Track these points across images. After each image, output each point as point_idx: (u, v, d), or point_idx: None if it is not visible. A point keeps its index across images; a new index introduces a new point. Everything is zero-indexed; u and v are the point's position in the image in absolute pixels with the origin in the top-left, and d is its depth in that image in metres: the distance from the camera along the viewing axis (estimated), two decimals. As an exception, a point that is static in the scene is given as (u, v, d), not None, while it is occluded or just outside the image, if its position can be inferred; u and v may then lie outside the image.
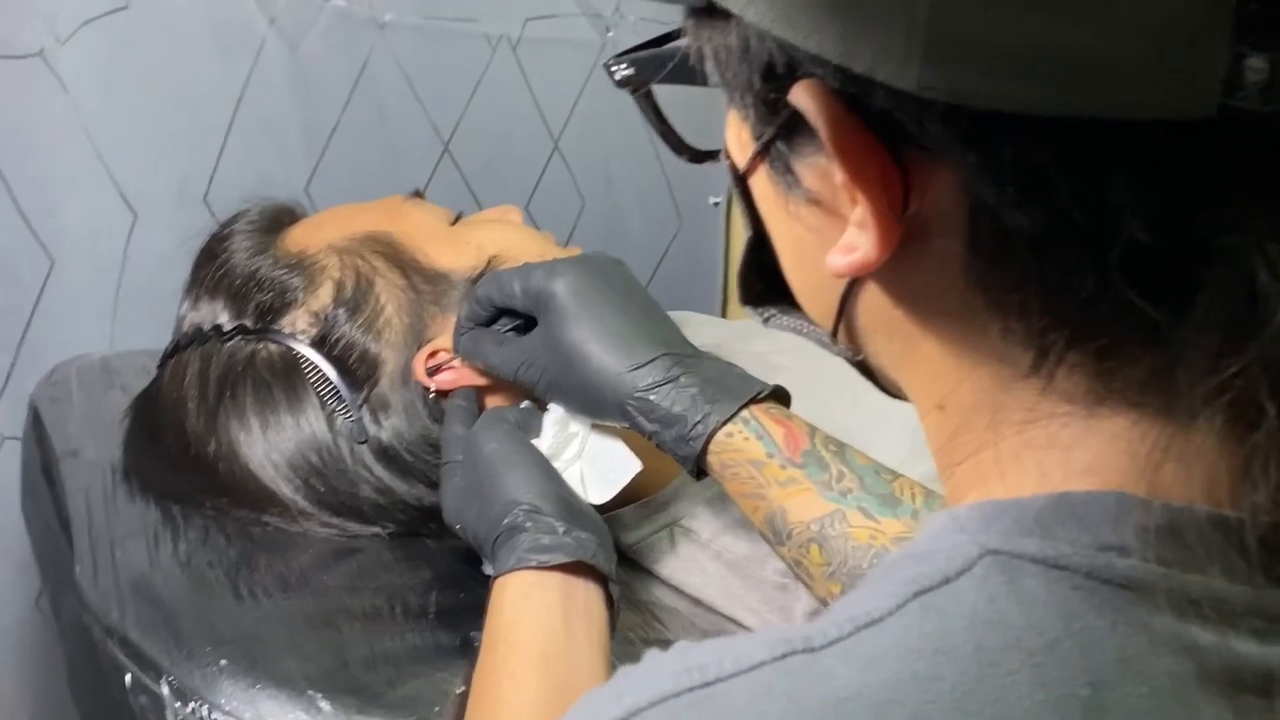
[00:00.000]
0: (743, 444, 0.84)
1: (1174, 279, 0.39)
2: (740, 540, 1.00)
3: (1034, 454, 0.44)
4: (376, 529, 1.00)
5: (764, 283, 0.55)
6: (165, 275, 1.24)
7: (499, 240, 1.05)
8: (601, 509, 0.92)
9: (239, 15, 1.38)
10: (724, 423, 0.83)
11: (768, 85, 0.43)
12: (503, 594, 0.82)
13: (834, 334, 0.50)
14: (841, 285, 0.47)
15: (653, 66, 0.55)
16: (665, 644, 0.92)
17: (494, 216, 1.11)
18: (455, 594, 0.93)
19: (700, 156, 0.57)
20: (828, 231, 0.45)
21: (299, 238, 1.05)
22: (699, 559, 1.02)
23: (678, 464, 0.99)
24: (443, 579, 0.95)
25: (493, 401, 0.99)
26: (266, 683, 0.81)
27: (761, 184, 0.49)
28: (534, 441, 0.92)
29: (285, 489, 0.99)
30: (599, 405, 0.88)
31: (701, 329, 1.22)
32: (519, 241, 1.06)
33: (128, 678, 0.83)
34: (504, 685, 0.78)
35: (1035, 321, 0.42)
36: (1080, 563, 0.41)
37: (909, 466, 0.95)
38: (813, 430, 0.85)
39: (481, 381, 0.98)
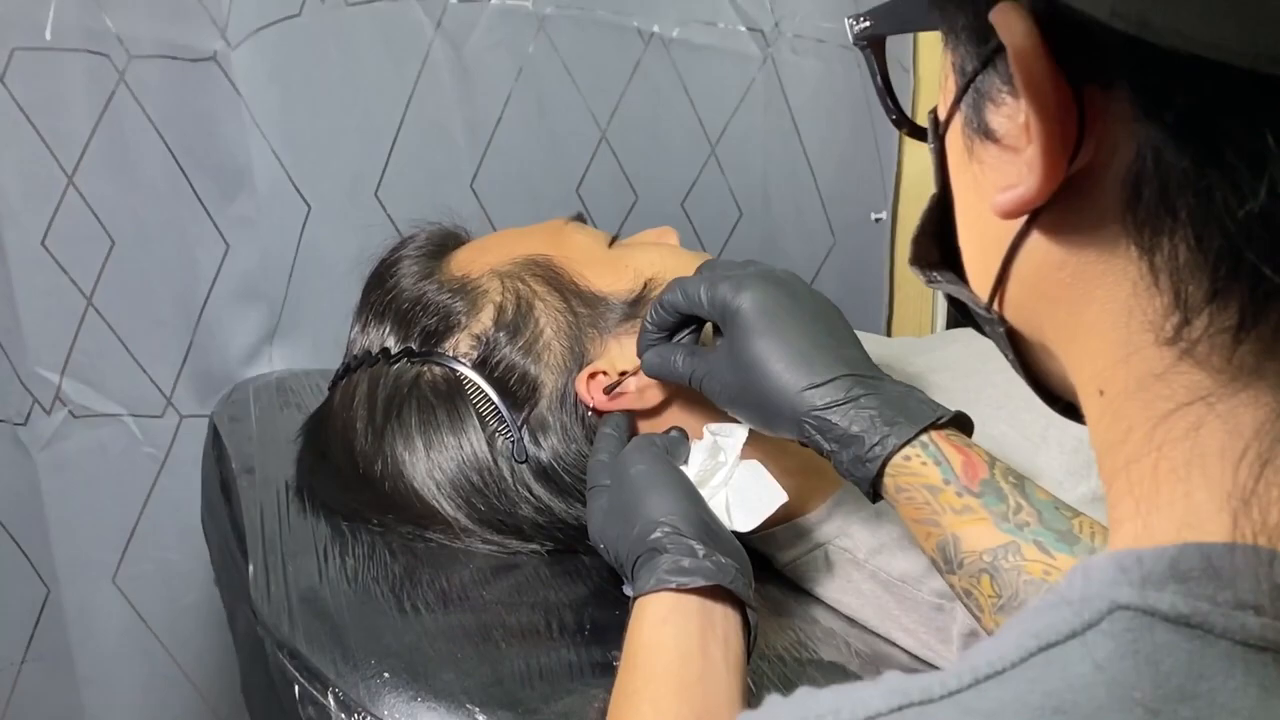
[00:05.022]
0: (920, 468, 0.83)
1: None
2: (896, 560, 0.99)
3: (1178, 478, 0.43)
4: (535, 546, 1.02)
5: (939, 248, 0.55)
6: (336, 264, 1.32)
7: (656, 263, 1.07)
8: (753, 530, 0.93)
9: (407, 22, 1.45)
10: (901, 446, 0.83)
11: (977, 13, 0.44)
12: (642, 616, 0.83)
13: (991, 299, 0.50)
14: (1007, 240, 0.47)
15: (887, 17, 0.57)
16: (820, 664, 0.93)
17: (651, 239, 1.13)
18: (610, 611, 0.94)
19: (913, 128, 0.58)
20: (1004, 174, 0.46)
21: (463, 262, 1.08)
22: (854, 578, 1.02)
23: (830, 479, 1.00)
24: (598, 596, 0.97)
25: (642, 427, 1.01)
26: (427, 695, 0.83)
27: (954, 136, 0.49)
28: (682, 467, 0.93)
29: (447, 507, 1.01)
30: (776, 420, 0.89)
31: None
32: (676, 265, 1.07)
33: (296, 689, 0.86)
34: (642, 710, 0.79)
35: (1182, 277, 0.41)
36: (1214, 621, 0.40)
37: (1067, 488, 0.94)
38: (992, 460, 0.84)
39: (637, 403, 1.00)
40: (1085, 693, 0.40)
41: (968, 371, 1.10)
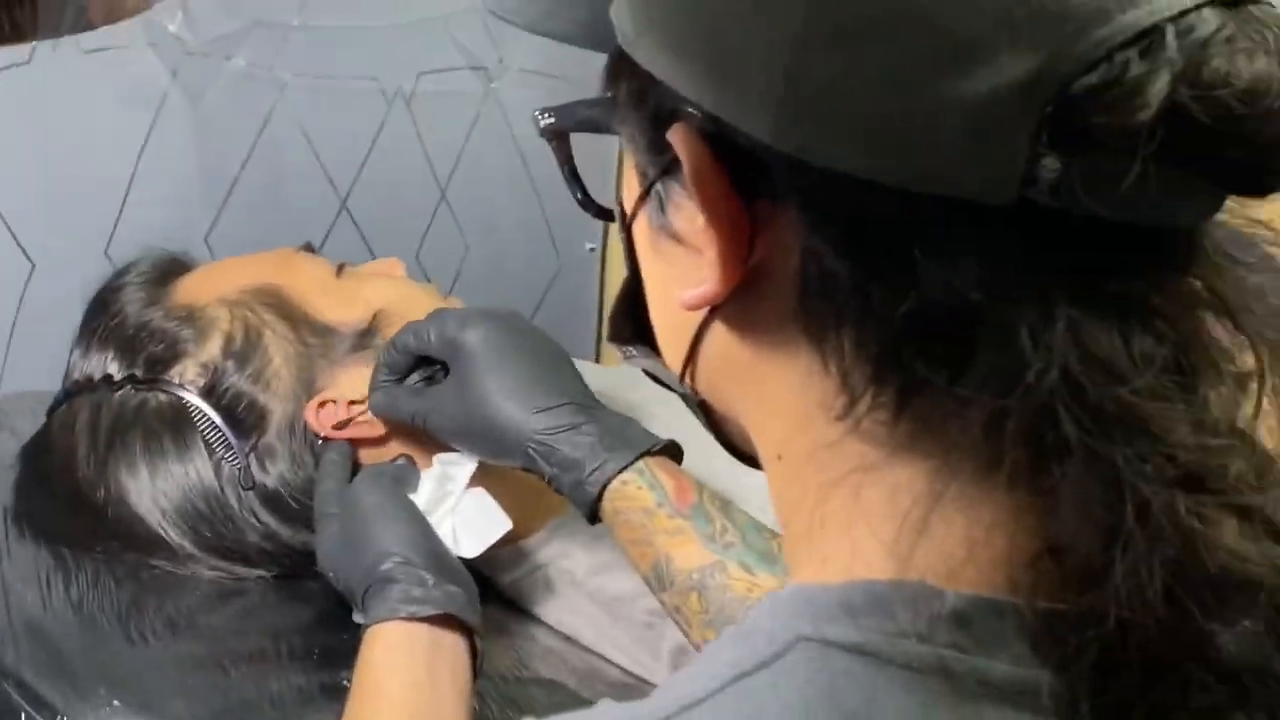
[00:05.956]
0: (635, 492, 0.89)
1: (955, 338, 0.44)
2: (612, 580, 1.05)
3: (845, 529, 0.48)
4: (261, 572, 1.04)
5: (632, 325, 0.59)
6: (62, 324, 1.27)
7: (385, 294, 1.09)
8: (479, 555, 0.98)
9: (141, 70, 1.41)
10: (619, 471, 0.89)
11: (655, 128, 0.48)
12: (373, 644, 0.87)
13: (683, 374, 0.54)
14: (694, 326, 0.52)
15: (572, 116, 0.60)
16: (540, 682, 0.98)
17: (379, 270, 1.16)
18: (338, 635, 0.96)
19: (600, 211, 0.62)
20: (688, 270, 0.50)
21: (190, 289, 1.09)
22: (573, 598, 1.07)
23: (551, 504, 1.05)
24: (326, 620, 0.99)
25: (368, 456, 1.04)
26: (157, 724, 0.85)
27: (641, 228, 0.54)
28: (411, 496, 0.97)
29: (173, 534, 1.02)
30: (502, 448, 0.94)
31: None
32: (405, 295, 1.11)
33: (23, 717, 0.86)
34: None
35: (848, 364, 0.46)
36: (883, 648, 0.45)
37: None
38: (701, 486, 0.90)
39: (366, 431, 1.03)
40: (775, 718, 0.45)
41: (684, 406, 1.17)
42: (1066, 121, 0.40)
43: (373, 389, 1.02)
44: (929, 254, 0.43)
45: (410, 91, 1.59)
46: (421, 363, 1.01)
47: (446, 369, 0.99)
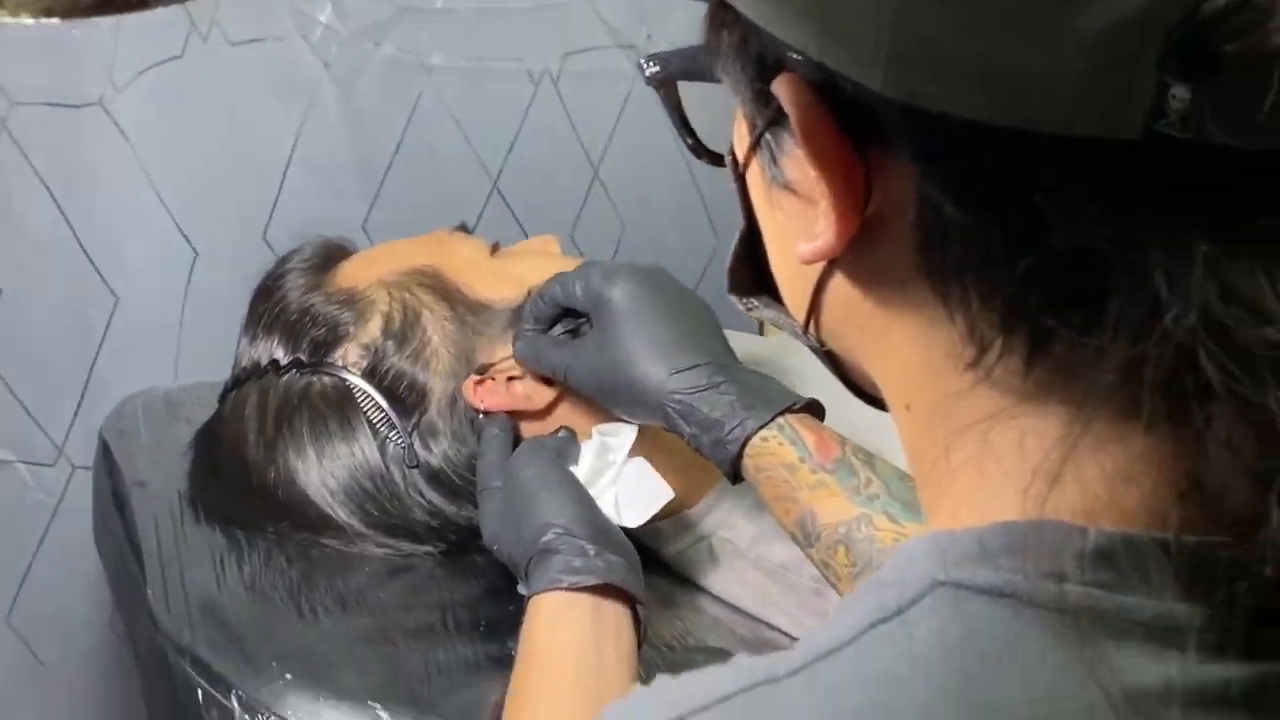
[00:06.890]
0: (777, 449, 0.88)
1: (1087, 285, 0.42)
2: (776, 548, 1.04)
3: (977, 475, 0.47)
4: (429, 548, 1.05)
5: (752, 276, 0.59)
6: (226, 309, 1.30)
7: (540, 271, 1.09)
8: (641, 525, 0.97)
9: (293, 61, 1.43)
10: (759, 428, 0.88)
11: (760, 78, 0.47)
12: (536, 614, 0.88)
13: (806, 325, 0.53)
14: (814, 276, 0.50)
15: (676, 63, 0.60)
16: (707, 651, 0.98)
17: (534, 247, 1.16)
18: (504, 606, 0.97)
19: (714, 158, 0.61)
20: (802, 221, 0.48)
21: (350, 274, 1.11)
22: (737, 567, 1.06)
23: (713, 474, 1.05)
24: (491, 593, 1.00)
25: (529, 429, 1.04)
26: (329, 695, 0.86)
27: (754, 178, 0.52)
28: (571, 468, 0.97)
29: (341, 513, 1.04)
30: (641, 406, 0.94)
31: (736, 345, 1.26)
32: (559, 271, 1.11)
33: (199, 694, 0.88)
34: (539, 705, 0.84)
35: (974, 315, 0.44)
36: (1022, 590, 0.43)
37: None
38: (843, 440, 0.89)
39: (525, 405, 1.03)
40: (914, 665, 0.43)
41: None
42: (1194, 48, 0.37)
43: (516, 338, 1.03)
44: (1052, 199, 0.41)
45: (557, 72, 1.59)
46: (567, 314, 1.01)
47: (591, 322, 0.98)
